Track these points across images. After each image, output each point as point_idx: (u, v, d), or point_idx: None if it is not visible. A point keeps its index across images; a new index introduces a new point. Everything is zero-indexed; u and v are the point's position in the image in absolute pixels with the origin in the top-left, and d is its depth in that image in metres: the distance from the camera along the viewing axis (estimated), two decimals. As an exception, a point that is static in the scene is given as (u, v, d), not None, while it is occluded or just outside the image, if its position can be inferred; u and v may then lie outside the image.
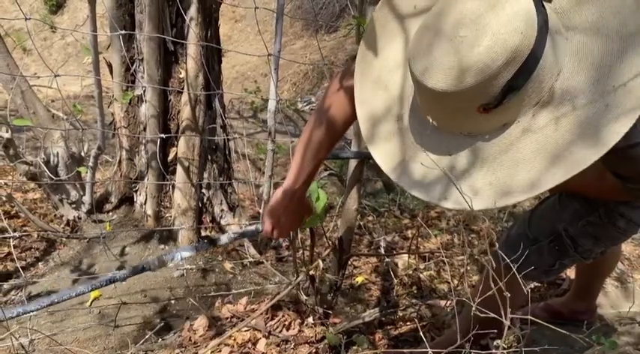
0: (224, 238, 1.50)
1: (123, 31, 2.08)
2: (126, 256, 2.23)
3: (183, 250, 1.41)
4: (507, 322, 0.83)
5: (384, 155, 0.99)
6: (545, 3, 0.80)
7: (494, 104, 0.79)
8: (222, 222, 2.51)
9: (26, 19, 1.30)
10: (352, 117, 1.18)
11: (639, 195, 1.02)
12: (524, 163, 0.80)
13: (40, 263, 2.26)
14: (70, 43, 8.34)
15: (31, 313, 1.18)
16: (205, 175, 2.45)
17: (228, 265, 2.33)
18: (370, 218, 3.11)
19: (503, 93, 0.77)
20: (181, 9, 2.12)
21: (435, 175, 0.89)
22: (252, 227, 1.48)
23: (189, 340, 1.55)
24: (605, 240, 1.24)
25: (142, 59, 2.29)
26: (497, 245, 1.41)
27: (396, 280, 2.25)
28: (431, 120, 0.85)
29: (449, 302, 2.03)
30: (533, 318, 0.86)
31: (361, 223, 3.00)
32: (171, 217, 2.38)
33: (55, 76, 1.44)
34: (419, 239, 2.67)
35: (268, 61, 1.98)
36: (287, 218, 1.28)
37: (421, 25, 0.86)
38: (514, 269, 0.92)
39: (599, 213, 1.19)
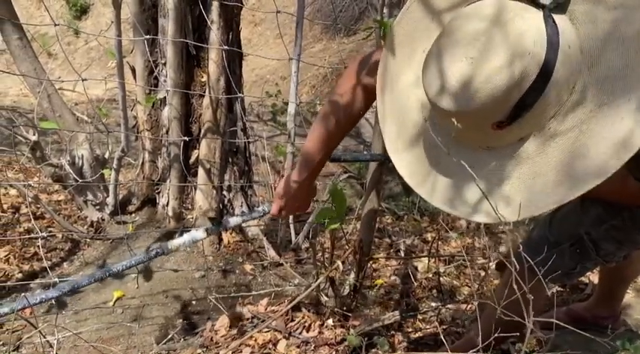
0: (233, 221, 1.52)
1: (147, 36, 2.11)
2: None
3: (194, 233, 1.44)
4: (530, 325, 0.82)
5: (410, 171, 1.00)
6: (556, 15, 0.80)
7: (508, 122, 0.80)
8: (243, 224, 2.53)
9: (55, 24, 1.34)
10: (363, 109, 1.21)
11: None
12: (540, 177, 0.81)
13: (64, 263, 2.31)
14: (94, 48, 8.49)
15: (53, 299, 1.21)
16: (226, 177, 2.48)
17: (248, 267, 2.35)
18: (389, 221, 3.11)
19: (515, 111, 0.78)
20: (204, 13, 2.15)
21: (461, 189, 0.90)
22: (260, 208, 1.50)
23: (211, 340, 1.57)
24: (629, 244, 1.23)
25: (165, 63, 2.33)
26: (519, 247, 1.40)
27: (415, 284, 2.24)
28: (452, 135, 0.86)
29: (469, 306, 2.02)
30: (557, 321, 0.86)
31: (380, 226, 3.00)
32: (192, 218, 2.41)
33: (83, 80, 1.47)
34: (439, 242, 2.66)
35: (289, 64, 2.00)
36: (294, 202, 1.35)
37: (433, 45, 0.87)
38: (539, 273, 0.91)
39: (623, 217, 1.18)
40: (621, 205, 1.18)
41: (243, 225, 2.55)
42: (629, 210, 1.16)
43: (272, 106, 5.37)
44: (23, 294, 1.99)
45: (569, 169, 0.78)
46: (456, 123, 0.83)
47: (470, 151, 0.88)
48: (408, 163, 1.01)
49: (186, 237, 1.45)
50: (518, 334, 1.04)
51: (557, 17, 0.80)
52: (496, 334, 0.96)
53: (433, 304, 2.18)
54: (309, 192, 1.36)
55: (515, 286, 0.88)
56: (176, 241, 1.44)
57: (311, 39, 8.36)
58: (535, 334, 1.31)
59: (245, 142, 2.56)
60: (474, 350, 1.05)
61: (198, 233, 1.47)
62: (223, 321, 1.63)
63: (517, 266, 0.88)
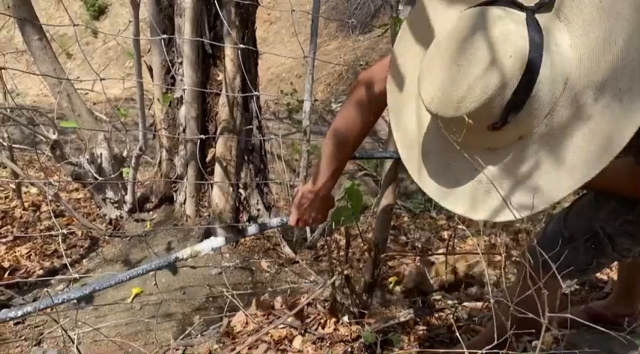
0: (252, 229, 1.56)
1: (164, 36, 2.14)
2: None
3: (214, 240, 1.46)
4: (545, 321, 0.82)
5: (424, 177, 1.03)
6: (542, 15, 0.82)
7: (501, 123, 0.82)
8: (259, 221, 2.55)
9: (74, 25, 1.36)
10: (374, 118, 1.25)
11: None
12: (540, 174, 0.82)
13: (84, 260, 2.35)
14: (112, 48, 8.60)
15: (74, 300, 1.24)
16: (242, 175, 2.50)
17: (264, 264, 2.37)
18: (405, 219, 3.11)
19: (506, 112, 0.81)
20: (219, 12, 2.16)
21: (467, 191, 0.93)
22: (278, 219, 1.53)
23: (228, 335, 1.58)
24: None
25: (182, 62, 2.35)
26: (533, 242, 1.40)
27: (431, 281, 2.23)
28: (454, 139, 0.88)
29: (486, 304, 2.01)
30: (573, 316, 0.86)
31: (396, 223, 3.00)
32: (209, 216, 2.43)
33: (101, 79, 1.50)
34: (455, 240, 2.65)
35: (305, 63, 2.01)
36: (312, 212, 1.38)
37: (427, 53, 0.91)
38: (554, 268, 0.91)
39: (637, 211, 1.16)
40: (635, 199, 1.17)
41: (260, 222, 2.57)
42: None
43: (287, 104, 5.39)
44: (45, 289, 2.03)
45: (568, 165, 0.79)
46: (447, 126, 0.86)
47: (475, 154, 0.90)
48: (421, 171, 1.04)
49: (206, 244, 1.48)
50: (533, 331, 1.03)
51: (543, 16, 0.82)
52: (511, 331, 0.96)
53: (449, 302, 2.17)
54: (325, 203, 1.40)
55: (529, 283, 0.88)
56: (196, 247, 1.46)
57: (326, 37, 8.36)
58: (550, 331, 1.31)
59: (261, 141, 2.57)
60: (489, 347, 1.05)
61: (217, 241, 1.50)
62: (240, 317, 1.64)
63: (531, 262, 0.88)
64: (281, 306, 1.76)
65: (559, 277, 0.89)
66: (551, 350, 1.32)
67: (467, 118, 0.82)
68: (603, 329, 0.92)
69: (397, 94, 1.11)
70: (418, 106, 1.02)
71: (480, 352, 1.10)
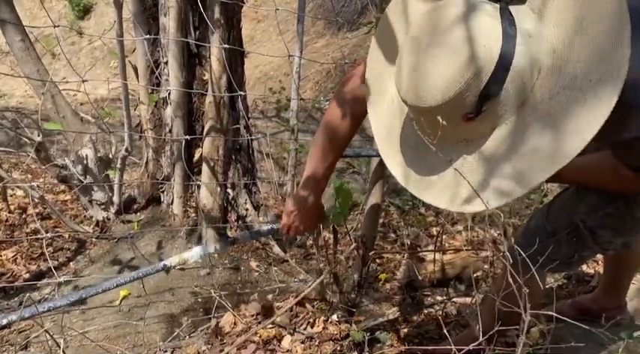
0: (242, 238, 1.54)
1: (148, 36, 2.12)
2: (153, 255, 2.27)
3: (203, 248, 1.45)
4: (527, 318, 0.83)
5: (401, 169, 1.04)
6: (516, 7, 0.83)
7: (475, 113, 0.83)
8: (247, 221, 2.54)
9: (55, 26, 1.35)
10: (360, 118, 1.26)
11: None
12: (516, 163, 0.83)
13: (71, 263, 2.33)
14: (98, 47, 8.51)
15: (61, 308, 1.22)
16: (230, 174, 2.49)
17: (253, 264, 2.36)
18: (394, 216, 3.11)
19: (480, 102, 0.82)
20: (204, 12, 2.15)
21: (444, 183, 0.94)
22: (269, 226, 1.53)
23: (216, 336, 1.58)
24: (624, 232, 1.23)
25: (167, 62, 2.33)
26: (515, 238, 1.42)
27: (420, 278, 2.24)
28: (429, 132, 0.89)
29: (474, 299, 2.02)
30: (556, 314, 0.86)
31: (385, 220, 3.00)
32: (197, 216, 2.42)
33: (83, 81, 1.48)
34: (444, 236, 2.66)
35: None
36: (302, 220, 1.39)
37: (403, 44, 0.93)
38: (536, 263, 0.92)
39: (618, 204, 1.18)
40: (616, 193, 1.18)
41: (248, 222, 2.56)
42: (623, 198, 1.17)
43: (277, 102, 5.38)
44: (28, 294, 2.01)
45: (542, 151, 0.81)
46: (421, 119, 0.88)
47: (450, 146, 0.92)
48: (398, 164, 1.04)
49: (195, 252, 1.47)
50: (518, 327, 1.04)
51: (516, 8, 0.83)
52: (497, 327, 0.96)
53: (439, 298, 2.18)
54: (316, 209, 1.41)
55: (510, 279, 0.89)
56: (185, 255, 1.45)
57: (314, 34, 8.34)
58: (537, 326, 1.32)
59: (248, 140, 2.57)
60: (476, 344, 1.05)
61: (206, 249, 1.49)
62: (228, 318, 1.64)
63: (514, 257, 0.89)
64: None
65: (542, 271, 0.89)
66: (538, 345, 1.34)
67: (447, 109, 0.83)
68: (584, 326, 0.92)
69: (375, 85, 1.11)
70: (396, 97, 1.03)
71: (465, 348, 1.11)
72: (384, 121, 1.10)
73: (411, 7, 1.03)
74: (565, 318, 0.91)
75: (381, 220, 2.91)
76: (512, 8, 0.84)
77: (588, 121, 0.75)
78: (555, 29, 0.81)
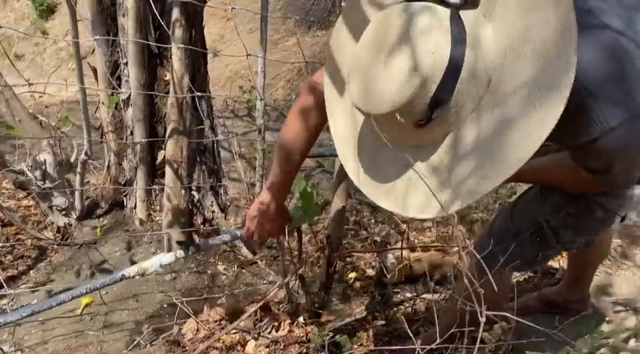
0: (204, 245, 1.52)
1: (105, 37, 2.07)
2: (117, 260, 2.22)
3: (163, 257, 1.41)
4: (483, 319, 0.82)
5: (357, 173, 1.02)
6: (468, 12, 0.81)
7: (426, 120, 0.82)
8: (214, 223, 2.51)
9: (12, 29, 1.29)
10: (322, 121, 1.22)
11: (613, 184, 1.05)
12: (467, 169, 0.82)
13: (31, 271, 2.26)
14: (63, 48, 8.29)
15: (12, 324, 1.18)
16: (195, 176, 2.44)
17: (220, 267, 2.33)
18: (366, 214, 3.10)
19: (430, 109, 0.80)
20: (164, 11, 2.10)
21: (397, 189, 0.92)
22: (233, 233, 1.50)
23: (177, 344, 1.55)
24: (586, 231, 1.24)
25: (127, 63, 2.28)
26: (479, 237, 1.42)
27: (389, 275, 2.24)
28: (384, 136, 0.87)
29: (443, 296, 2.02)
30: (509, 315, 0.86)
31: (356, 218, 2.99)
32: (161, 220, 2.37)
33: (30, 84, 1.43)
34: (414, 232, 2.66)
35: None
36: (266, 225, 1.37)
37: (356, 49, 0.91)
38: (499, 263, 0.92)
39: (579, 204, 1.19)
40: (577, 193, 1.19)
41: (216, 225, 2.52)
42: (584, 198, 1.18)
43: (247, 101, 5.33)
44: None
45: (493, 158, 0.79)
46: (375, 123, 0.86)
47: (404, 150, 0.90)
48: (353, 165, 1.03)
49: (154, 261, 1.43)
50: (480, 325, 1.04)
51: (467, 13, 0.81)
52: (454, 329, 0.96)
53: (408, 295, 2.18)
54: (280, 213, 1.39)
55: (472, 278, 0.88)
56: (144, 265, 1.41)
57: (284, 33, 8.29)
58: (500, 324, 1.32)
59: (213, 141, 2.52)
60: (437, 342, 1.05)
61: (166, 257, 1.45)
62: (190, 324, 1.60)
63: (477, 257, 0.89)
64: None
65: (505, 270, 0.89)
66: (500, 341, 1.34)
67: (398, 116, 0.81)
68: (530, 324, 0.93)
69: (332, 89, 1.09)
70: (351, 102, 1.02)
71: (428, 346, 1.10)
72: (342, 125, 1.08)
73: (366, 8, 1.01)
74: (521, 319, 0.91)
75: (352, 218, 2.91)
76: (463, 13, 0.82)
77: (536, 129, 0.75)
78: (506, 35, 0.80)
